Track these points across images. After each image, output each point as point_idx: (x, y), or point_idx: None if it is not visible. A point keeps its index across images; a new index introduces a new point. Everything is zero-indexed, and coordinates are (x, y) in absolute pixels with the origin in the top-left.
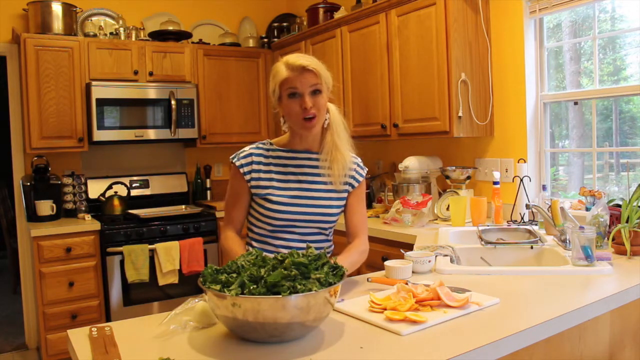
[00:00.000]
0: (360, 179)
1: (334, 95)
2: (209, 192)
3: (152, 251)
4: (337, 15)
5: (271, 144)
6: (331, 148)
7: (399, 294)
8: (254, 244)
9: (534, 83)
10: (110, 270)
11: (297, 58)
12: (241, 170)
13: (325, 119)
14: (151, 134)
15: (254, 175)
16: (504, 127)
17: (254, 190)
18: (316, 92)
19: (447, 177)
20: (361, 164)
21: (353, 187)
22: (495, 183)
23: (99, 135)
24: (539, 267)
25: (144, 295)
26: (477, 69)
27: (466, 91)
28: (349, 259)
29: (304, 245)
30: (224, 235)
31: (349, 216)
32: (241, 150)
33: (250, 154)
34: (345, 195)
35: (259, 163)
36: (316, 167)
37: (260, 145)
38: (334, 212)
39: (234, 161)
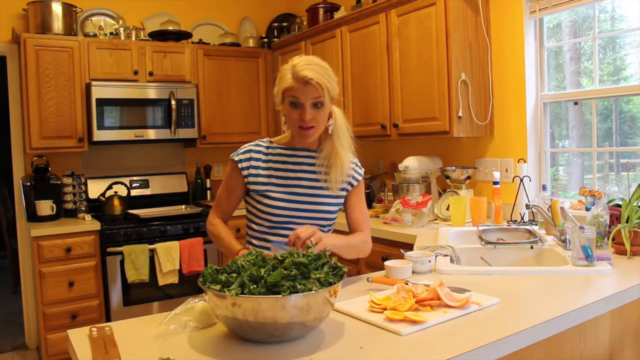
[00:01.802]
0: (359, 178)
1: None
2: (209, 192)
3: (152, 251)
4: (337, 15)
5: (271, 142)
6: (331, 153)
7: (399, 294)
8: (254, 241)
9: (534, 83)
10: (110, 270)
11: (304, 67)
12: (239, 165)
13: (329, 125)
14: (151, 134)
15: (252, 171)
16: (504, 127)
17: (251, 187)
18: (318, 104)
19: (447, 177)
20: (359, 164)
21: (352, 185)
22: (495, 183)
23: (99, 135)
24: (539, 267)
25: (144, 295)
26: (477, 69)
27: (466, 91)
28: (349, 239)
29: None
30: (209, 221)
31: (350, 214)
32: (241, 147)
33: (250, 151)
34: (343, 193)
35: (257, 160)
36: (315, 164)
37: (260, 143)
38: (333, 210)
39: (233, 158)
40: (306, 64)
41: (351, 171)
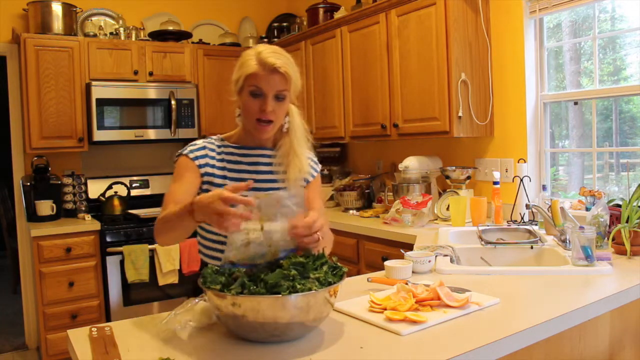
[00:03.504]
0: (315, 173)
1: (335, 96)
2: None
3: (152, 251)
4: (337, 15)
5: (222, 139)
6: (288, 151)
7: (399, 294)
8: (207, 251)
9: (534, 83)
10: (110, 270)
11: (270, 55)
12: (196, 162)
13: (285, 123)
14: (151, 134)
15: (209, 170)
16: (504, 127)
17: (206, 187)
18: (280, 97)
19: (447, 177)
20: (315, 159)
21: (308, 181)
22: (495, 183)
23: (99, 135)
24: (539, 267)
25: (144, 295)
26: (477, 69)
27: (466, 91)
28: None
29: None
30: (160, 215)
31: (307, 208)
32: (192, 144)
33: (204, 147)
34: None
35: (212, 158)
36: (270, 164)
37: (212, 140)
38: None
39: (185, 153)
40: (273, 52)
41: (308, 167)
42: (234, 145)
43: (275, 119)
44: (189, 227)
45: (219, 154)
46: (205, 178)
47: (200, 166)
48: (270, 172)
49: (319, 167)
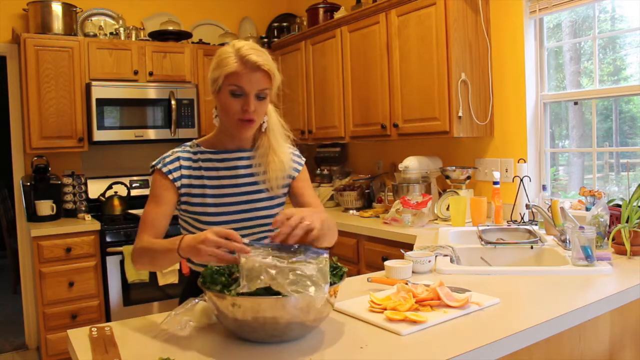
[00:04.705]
0: (300, 167)
1: (335, 96)
2: None
3: None
4: (337, 15)
5: (198, 145)
6: (267, 151)
7: (399, 294)
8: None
9: (534, 83)
10: (110, 270)
11: (251, 52)
12: (170, 176)
13: (263, 122)
14: (151, 134)
15: (185, 181)
16: (504, 127)
17: (185, 199)
18: (261, 96)
19: (447, 177)
20: (297, 153)
21: (293, 177)
22: (495, 183)
23: (99, 135)
24: (539, 267)
25: (144, 295)
26: (477, 69)
27: (466, 91)
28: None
29: None
30: (137, 243)
31: (300, 199)
32: (165, 155)
33: (178, 158)
34: (285, 190)
35: (188, 168)
36: (250, 165)
37: (187, 148)
38: (278, 212)
39: (158, 167)
40: (252, 49)
41: (294, 165)
42: (210, 150)
43: (257, 117)
44: (175, 260)
45: (195, 161)
46: (183, 190)
47: (174, 180)
48: (250, 175)
49: (303, 160)
